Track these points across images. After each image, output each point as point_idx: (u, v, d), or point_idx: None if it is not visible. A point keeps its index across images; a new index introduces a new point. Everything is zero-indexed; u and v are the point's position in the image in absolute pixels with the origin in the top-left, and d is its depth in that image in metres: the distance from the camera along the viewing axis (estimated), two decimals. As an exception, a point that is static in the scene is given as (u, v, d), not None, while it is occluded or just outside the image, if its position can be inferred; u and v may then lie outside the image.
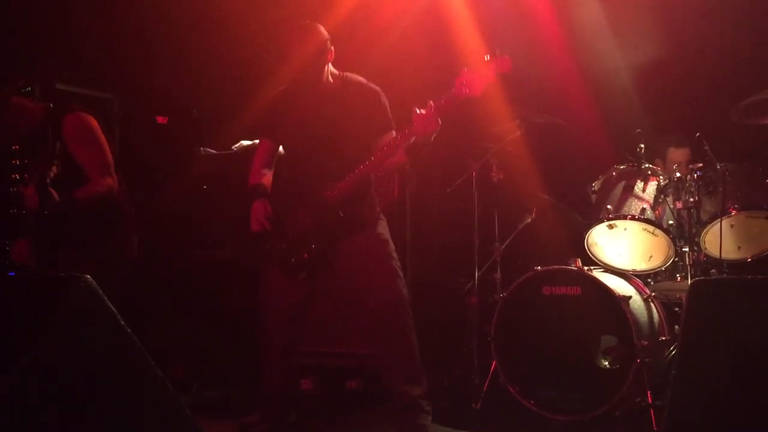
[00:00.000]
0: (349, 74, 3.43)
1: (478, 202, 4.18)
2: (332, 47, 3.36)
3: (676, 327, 3.78)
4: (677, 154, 4.32)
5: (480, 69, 3.01)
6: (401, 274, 3.36)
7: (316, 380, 4.29)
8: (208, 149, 4.81)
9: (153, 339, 3.20)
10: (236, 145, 4.67)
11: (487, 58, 3.02)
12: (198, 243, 4.66)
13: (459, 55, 4.38)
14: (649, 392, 3.42)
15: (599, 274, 3.74)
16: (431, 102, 3.04)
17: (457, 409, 3.77)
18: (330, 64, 3.37)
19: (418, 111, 3.05)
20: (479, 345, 4.05)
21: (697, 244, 3.74)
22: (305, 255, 3.30)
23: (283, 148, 3.57)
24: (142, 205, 3.78)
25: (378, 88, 3.40)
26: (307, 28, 3.33)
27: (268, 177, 3.51)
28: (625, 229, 3.87)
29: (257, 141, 4.04)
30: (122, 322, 2.11)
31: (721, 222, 3.64)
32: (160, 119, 5.19)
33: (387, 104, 3.39)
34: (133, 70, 5.06)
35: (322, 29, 3.35)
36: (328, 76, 3.36)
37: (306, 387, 4.25)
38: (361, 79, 3.43)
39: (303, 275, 3.33)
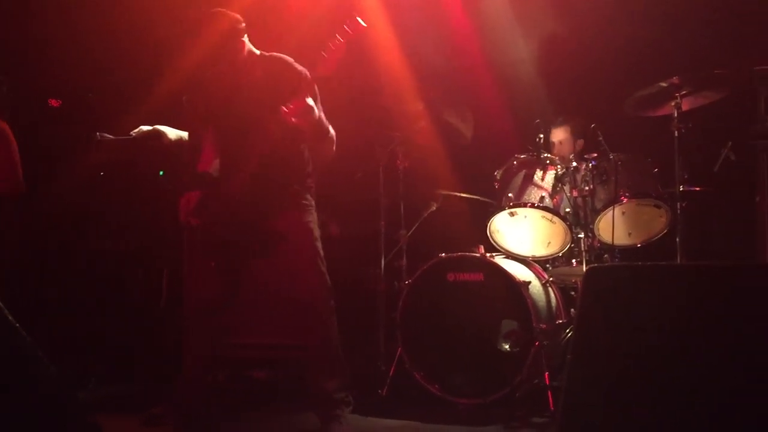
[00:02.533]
0: (273, 53, 3.35)
1: (384, 191, 4.21)
2: (245, 28, 3.29)
3: (572, 310, 3.95)
4: (558, 134, 4.46)
5: (327, 53, 3.05)
6: (323, 263, 3.31)
7: (224, 371, 4.21)
8: (106, 135, 4.60)
9: (47, 333, 3.06)
10: (136, 131, 4.48)
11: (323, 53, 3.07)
12: (96, 234, 4.46)
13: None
14: (546, 374, 3.55)
15: (501, 261, 3.86)
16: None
17: (363, 396, 3.80)
18: (249, 45, 3.30)
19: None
20: (385, 332, 4.09)
21: (592, 230, 3.91)
22: (231, 240, 3.23)
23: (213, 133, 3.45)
24: (35, 194, 3.59)
25: (303, 68, 3.29)
26: (216, 15, 3.25)
27: (214, 164, 3.39)
28: (525, 216, 3.99)
29: (158, 126, 3.89)
30: (9, 317, 1.99)
31: (613, 210, 3.82)
32: (54, 102, 4.92)
33: (299, 68, 3.28)
34: (24, 49, 4.77)
35: (233, 14, 3.27)
36: (246, 58, 3.29)
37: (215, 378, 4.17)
38: (286, 57, 3.34)
39: (232, 259, 3.24)
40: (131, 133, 4.49)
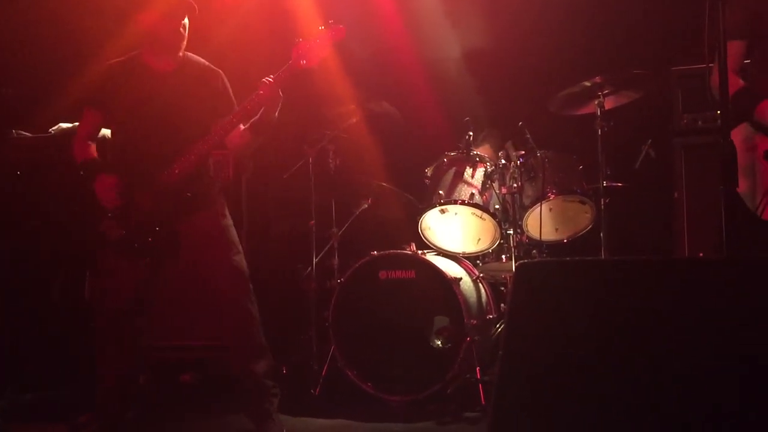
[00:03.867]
0: (189, 54, 3.32)
1: (315, 188, 4.18)
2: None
3: (502, 305, 4.01)
4: (482, 150, 4.51)
5: (315, 39, 3.08)
6: (241, 250, 3.29)
7: (149, 375, 4.09)
8: (22, 132, 4.40)
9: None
10: (54, 128, 4.31)
11: (321, 28, 3.10)
12: (13, 235, 4.25)
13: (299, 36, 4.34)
14: (478, 369, 3.60)
15: (432, 258, 3.88)
16: (270, 76, 3.05)
17: (295, 396, 3.76)
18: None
19: (266, 81, 3.06)
20: (318, 331, 4.06)
21: (520, 226, 3.98)
22: (149, 239, 3.14)
23: (115, 128, 3.34)
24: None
25: (220, 71, 3.34)
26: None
27: (94, 149, 3.31)
28: (456, 213, 4.03)
29: (78, 123, 3.76)
30: None
31: (540, 206, 3.90)
32: (-35, 97, 4.68)
33: (229, 87, 3.33)
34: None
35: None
36: (185, 57, 3.26)
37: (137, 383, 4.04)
38: (202, 60, 3.35)
39: (147, 261, 3.16)
40: (50, 130, 4.32)
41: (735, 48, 2.55)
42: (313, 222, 4.16)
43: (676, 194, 3.98)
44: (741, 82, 2.68)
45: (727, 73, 2.33)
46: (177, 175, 3.13)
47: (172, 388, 4.05)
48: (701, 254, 3.82)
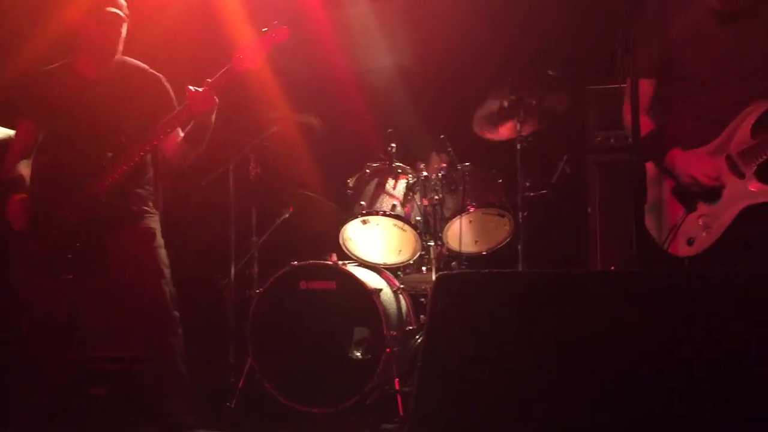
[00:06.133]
0: (127, 59, 3.23)
1: (235, 196, 4.11)
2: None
3: (422, 316, 4.03)
4: (437, 160, 4.57)
5: (257, 41, 3.03)
6: (168, 275, 3.17)
7: (60, 389, 3.89)
8: None
9: None
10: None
11: (264, 30, 3.05)
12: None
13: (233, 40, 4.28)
14: (397, 380, 3.60)
15: (353, 268, 3.87)
16: (207, 80, 2.99)
17: (210, 410, 3.66)
18: None
19: (191, 89, 2.98)
20: (235, 342, 3.98)
21: (441, 238, 4.02)
22: (70, 255, 3.00)
23: (45, 137, 3.18)
24: None
25: (160, 75, 3.25)
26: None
27: (25, 167, 3.14)
28: (378, 224, 4.04)
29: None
30: None
31: (461, 218, 3.95)
32: None
33: (170, 91, 3.23)
34: None
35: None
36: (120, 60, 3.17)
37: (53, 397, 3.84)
38: (141, 64, 3.25)
39: (69, 277, 3.02)
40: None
41: (645, 87, 2.65)
42: (233, 230, 4.07)
43: (589, 209, 4.12)
44: (651, 123, 2.77)
45: (638, 102, 2.42)
46: (107, 186, 3.02)
47: (81, 400, 3.87)
48: (613, 267, 3.95)
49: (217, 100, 3.01)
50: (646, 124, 2.62)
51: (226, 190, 4.09)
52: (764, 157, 2.58)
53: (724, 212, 2.62)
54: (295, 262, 3.83)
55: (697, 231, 2.64)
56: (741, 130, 2.62)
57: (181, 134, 3.14)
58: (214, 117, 3.08)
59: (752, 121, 2.61)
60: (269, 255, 4.27)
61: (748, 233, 2.60)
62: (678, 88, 2.76)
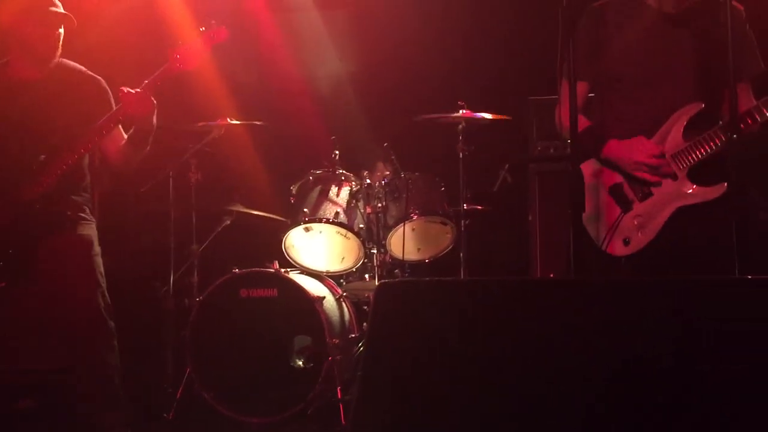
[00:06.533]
0: (65, 61, 3.14)
1: (175, 203, 4.03)
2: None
3: (365, 324, 4.02)
4: (382, 168, 4.57)
5: (195, 41, 2.99)
6: (103, 285, 3.08)
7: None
8: None
9: None
10: None
11: (202, 29, 3.02)
12: None
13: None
14: (339, 388, 3.58)
15: (295, 276, 3.84)
16: (145, 81, 2.94)
17: (147, 421, 3.57)
18: None
19: (124, 90, 2.91)
20: (174, 352, 3.90)
21: (384, 246, 4.03)
22: (0, 262, 2.90)
23: None
24: None
25: (99, 78, 3.16)
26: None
27: None
28: (321, 231, 4.02)
29: None
30: None
31: (404, 226, 3.96)
32: None
33: (110, 94, 3.15)
34: None
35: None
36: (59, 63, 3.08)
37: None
38: (79, 67, 3.16)
39: (1, 285, 2.91)
40: None
41: (580, 88, 2.69)
42: (172, 237, 3.97)
43: (530, 217, 4.19)
44: (586, 121, 2.83)
45: (576, 104, 2.47)
46: (41, 191, 2.92)
47: (9, 414, 3.72)
48: (552, 274, 4.02)
49: (155, 101, 2.95)
50: (582, 122, 2.66)
51: (166, 196, 4.00)
52: (696, 158, 2.65)
53: (659, 213, 2.69)
54: (236, 270, 3.78)
55: (632, 231, 2.70)
56: (673, 133, 2.69)
57: (124, 136, 3.08)
58: (155, 119, 3.02)
59: (684, 124, 2.68)
60: (210, 263, 4.20)
61: (682, 233, 2.67)
62: (612, 89, 2.82)
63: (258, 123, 4.22)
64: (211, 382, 3.65)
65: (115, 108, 3.09)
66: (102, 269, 3.11)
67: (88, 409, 3.01)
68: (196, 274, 4.06)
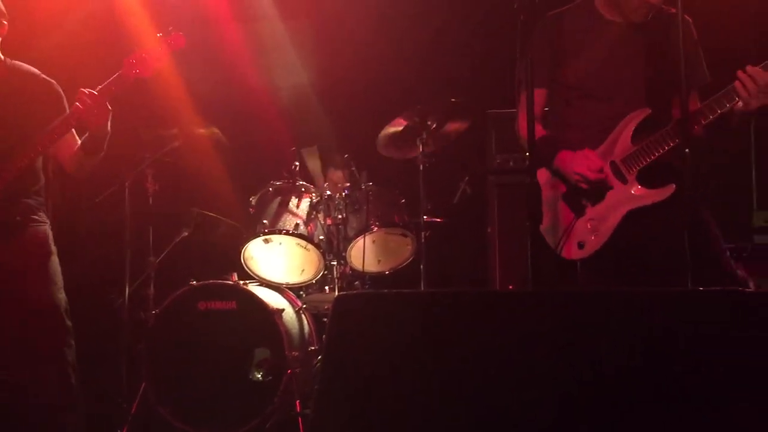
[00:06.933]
0: (17, 63, 3.08)
1: (131, 214, 3.96)
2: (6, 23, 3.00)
3: (324, 337, 4.00)
4: (336, 175, 4.56)
5: (152, 47, 2.95)
6: (60, 283, 3.03)
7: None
8: None
9: None
10: None
11: (159, 35, 2.99)
12: None
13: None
14: (298, 402, 3.55)
15: (254, 288, 3.80)
16: (99, 86, 2.90)
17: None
18: None
19: (85, 91, 2.87)
20: (128, 366, 3.82)
21: (344, 258, 4.01)
22: None
23: None
24: None
25: (52, 81, 3.10)
26: None
27: None
28: (280, 243, 3.98)
29: None
30: None
31: (364, 238, 3.96)
32: None
33: (63, 97, 3.10)
34: None
35: None
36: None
37: None
38: (31, 69, 3.10)
39: None
40: None
41: (537, 97, 2.73)
42: (128, 249, 3.91)
43: (489, 229, 4.22)
44: (543, 130, 2.87)
45: (534, 116, 2.51)
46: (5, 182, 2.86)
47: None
48: (511, 286, 4.05)
49: (110, 108, 2.91)
50: (539, 131, 2.70)
51: (122, 206, 3.93)
52: (644, 162, 2.71)
53: (610, 216, 2.74)
54: (194, 282, 3.73)
55: (586, 234, 2.75)
56: (622, 138, 2.76)
57: (79, 142, 3.02)
58: (109, 126, 2.97)
59: (632, 129, 2.75)
60: (167, 275, 4.13)
61: (633, 235, 2.72)
62: (566, 99, 2.87)
63: (217, 132, 4.18)
64: (168, 396, 3.58)
65: (68, 111, 3.04)
66: (58, 267, 3.06)
67: (46, 408, 2.94)
68: (152, 286, 3.99)
